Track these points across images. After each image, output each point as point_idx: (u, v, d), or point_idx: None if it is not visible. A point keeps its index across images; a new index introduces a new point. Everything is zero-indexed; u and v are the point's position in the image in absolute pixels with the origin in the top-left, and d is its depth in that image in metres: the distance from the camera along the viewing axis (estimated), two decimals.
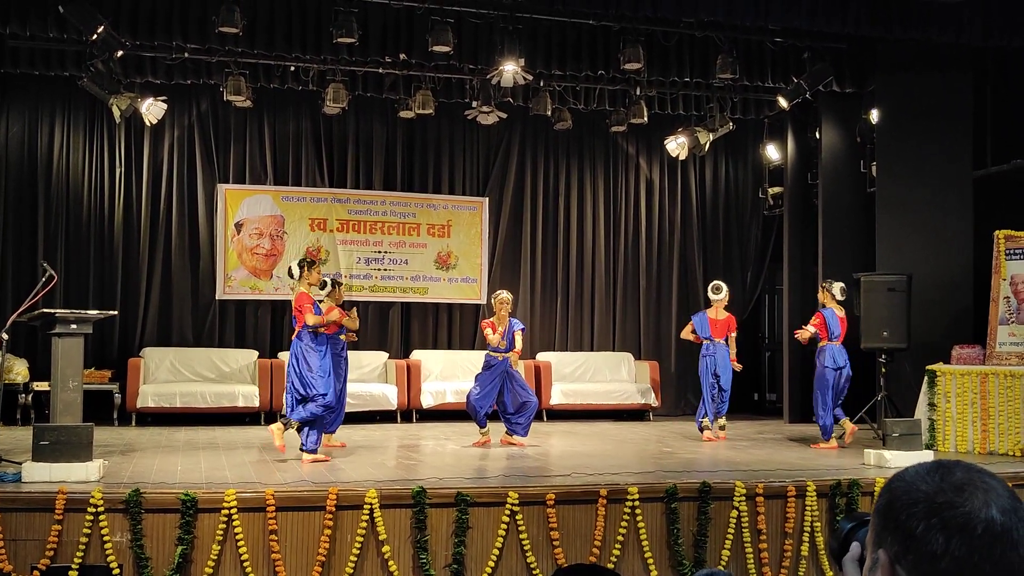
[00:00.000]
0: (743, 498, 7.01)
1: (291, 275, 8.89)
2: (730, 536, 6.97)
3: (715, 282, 10.98)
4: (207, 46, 10.34)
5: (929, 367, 9.72)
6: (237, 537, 6.27)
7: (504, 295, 9.80)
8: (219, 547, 6.23)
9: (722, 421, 10.62)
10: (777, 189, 13.95)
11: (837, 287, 9.99)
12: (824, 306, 9.98)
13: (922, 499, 1.25)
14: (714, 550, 6.94)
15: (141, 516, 6.16)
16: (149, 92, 11.17)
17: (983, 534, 1.21)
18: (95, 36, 9.41)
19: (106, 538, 6.12)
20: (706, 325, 10.59)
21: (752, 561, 6.99)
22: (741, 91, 12.47)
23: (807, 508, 7.14)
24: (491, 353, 9.68)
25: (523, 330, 9.92)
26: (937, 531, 1.22)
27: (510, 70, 10.47)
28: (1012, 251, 9.93)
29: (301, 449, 8.19)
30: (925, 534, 1.23)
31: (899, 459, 7.95)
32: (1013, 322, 9.80)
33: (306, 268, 8.68)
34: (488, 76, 10.99)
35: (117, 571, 6.11)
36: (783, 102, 11.50)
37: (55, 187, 12.25)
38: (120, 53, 10.01)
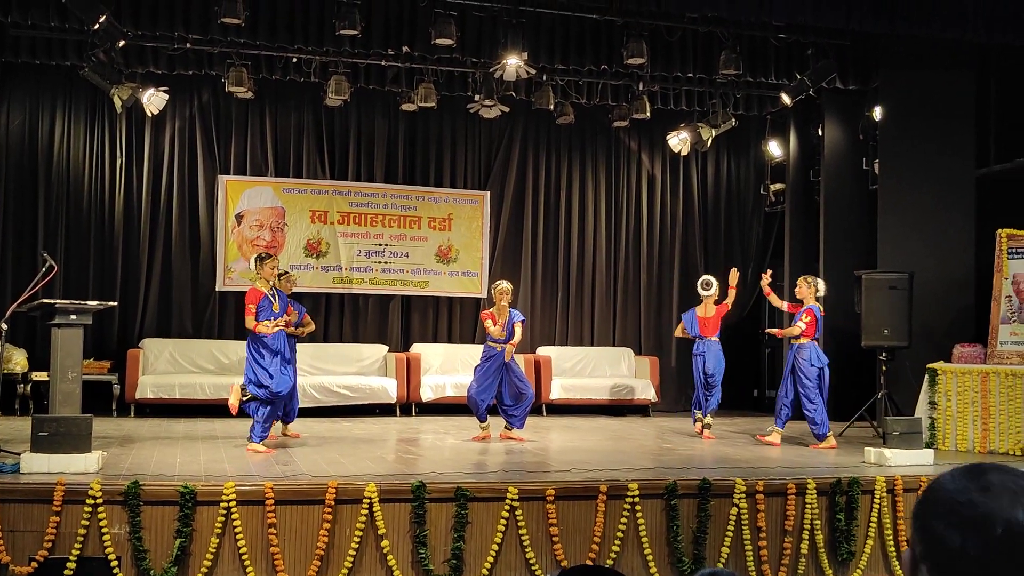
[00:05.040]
0: (743, 495, 7.00)
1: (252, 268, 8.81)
2: (730, 533, 6.95)
3: (704, 277, 10.91)
4: (209, 37, 10.31)
5: (930, 365, 9.70)
6: (236, 530, 6.25)
7: (504, 285, 9.71)
8: (218, 540, 6.22)
9: (708, 419, 10.44)
10: (779, 186, 13.93)
11: (821, 284, 9.99)
12: (804, 302, 9.85)
13: (945, 499, 1.23)
14: (714, 547, 6.93)
15: (140, 508, 6.14)
16: (150, 82, 11.14)
17: (1003, 534, 1.16)
18: (97, 25, 9.37)
19: (104, 530, 6.11)
20: (695, 323, 10.57)
21: (752, 559, 6.98)
22: (744, 87, 12.45)
23: (807, 506, 7.12)
24: (490, 343, 9.63)
25: (523, 321, 9.86)
26: (954, 529, 1.19)
27: (513, 64, 10.42)
28: (1014, 250, 9.91)
29: (248, 439, 8.38)
30: (944, 532, 1.20)
31: (899, 457, 7.95)
32: (1015, 321, 9.79)
33: (258, 263, 8.56)
34: (491, 70, 10.97)
35: (115, 563, 6.09)
36: (786, 98, 11.47)
37: (55, 177, 12.21)
38: (122, 43, 9.98)
